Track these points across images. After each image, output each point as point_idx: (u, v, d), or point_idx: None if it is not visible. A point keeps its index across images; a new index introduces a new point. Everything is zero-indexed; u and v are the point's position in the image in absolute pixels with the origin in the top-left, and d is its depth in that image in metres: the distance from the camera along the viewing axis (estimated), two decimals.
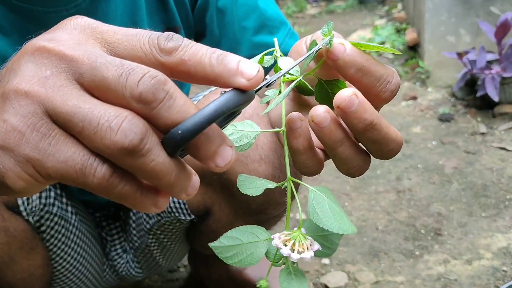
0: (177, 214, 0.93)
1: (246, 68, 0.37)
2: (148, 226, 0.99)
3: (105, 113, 0.33)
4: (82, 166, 0.34)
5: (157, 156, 0.34)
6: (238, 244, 0.48)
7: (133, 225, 1.02)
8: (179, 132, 0.34)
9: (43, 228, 0.86)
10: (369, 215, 1.63)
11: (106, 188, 0.35)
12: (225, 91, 0.37)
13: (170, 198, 0.93)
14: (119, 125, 0.33)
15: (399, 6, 4.00)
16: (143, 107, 0.34)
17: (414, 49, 3.01)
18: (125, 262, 1.07)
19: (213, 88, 0.88)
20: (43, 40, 0.37)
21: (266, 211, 0.90)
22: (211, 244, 0.49)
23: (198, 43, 0.38)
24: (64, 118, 0.34)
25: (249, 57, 0.95)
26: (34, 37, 0.39)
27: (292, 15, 4.69)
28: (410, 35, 3.03)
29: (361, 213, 1.63)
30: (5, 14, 0.74)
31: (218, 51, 0.37)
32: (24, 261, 0.83)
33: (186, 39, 0.38)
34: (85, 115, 0.33)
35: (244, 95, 0.37)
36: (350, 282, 1.34)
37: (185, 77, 0.38)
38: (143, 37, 0.37)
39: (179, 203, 0.92)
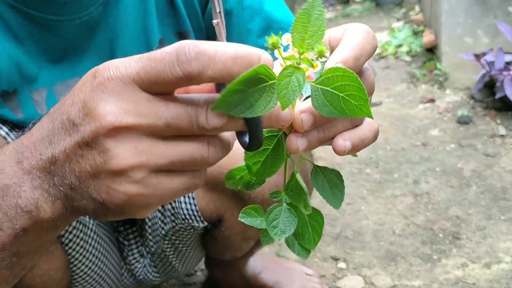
0: (190, 221, 0.94)
1: (266, 62, 0.42)
2: (163, 232, 1.00)
3: (196, 149, 0.44)
4: (186, 186, 0.45)
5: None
6: (241, 93, 0.43)
7: (149, 230, 1.04)
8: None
9: (62, 232, 0.88)
10: (386, 219, 1.62)
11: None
12: None
13: (184, 206, 0.95)
14: (207, 154, 0.44)
15: (417, 8, 3.97)
16: (216, 132, 0.43)
17: (431, 51, 2.99)
18: (143, 266, 1.09)
19: None
20: (108, 118, 0.42)
21: None
22: (212, 108, 0.43)
23: (218, 47, 0.40)
24: (167, 168, 0.43)
25: None
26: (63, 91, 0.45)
27: None
28: (427, 37, 3.01)
29: (378, 217, 1.63)
30: (19, 22, 0.76)
31: (240, 56, 0.41)
32: (43, 265, 0.85)
33: (205, 50, 0.39)
34: (182, 157, 0.43)
35: None
36: (366, 286, 1.34)
37: (216, 82, 0.44)
38: (165, 69, 0.41)
39: (192, 210, 0.94)
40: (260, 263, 1.27)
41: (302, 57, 0.45)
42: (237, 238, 0.98)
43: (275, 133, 0.49)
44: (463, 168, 1.86)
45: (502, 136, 2.07)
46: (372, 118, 0.46)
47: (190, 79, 0.40)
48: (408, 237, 1.52)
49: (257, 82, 0.43)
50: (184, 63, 0.39)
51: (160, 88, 0.42)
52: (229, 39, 0.93)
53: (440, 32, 2.69)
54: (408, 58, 3.10)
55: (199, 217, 0.94)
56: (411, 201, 1.70)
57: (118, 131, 0.41)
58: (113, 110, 0.41)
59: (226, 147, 0.45)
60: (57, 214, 0.47)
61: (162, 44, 0.89)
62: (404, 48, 3.22)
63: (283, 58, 0.46)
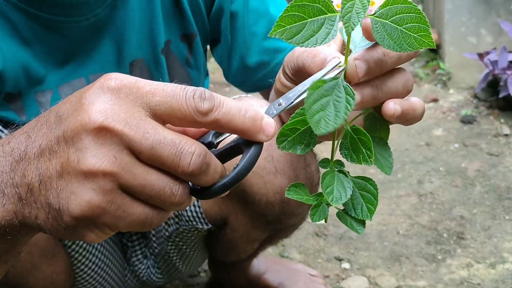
0: (194, 223, 0.94)
1: (267, 126, 0.45)
2: (167, 233, 1.00)
3: (167, 184, 0.43)
4: (145, 220, 0.43)
5: None
6: (302, 23, 0.43)
7: (153, 232, 1.04)
8: (229, 182, 0.45)
9: None
10: (390, 219, 1.61)
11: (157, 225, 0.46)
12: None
13: (188, 208, 0.95)
14: (176, 192, 0.43)
15: (419, 7, 3.96)
16: (191, 178, 0.43)
17: (434, 50, 2.98)
18: (146, 268, 1.09)
19: (236, 96, 0.89)
20: (99, 115, 0.41)
21: (282, 221, 0.91)
22: (271, 34, 0.44)
23: (227, 99, 0.44)
24: (135, 190, 0.42)
25: (259, 62, 0.95)
26: (68, 91, 0.44)
27: None
28: None
29: (382, 217, 1.62)
30: (26, 24, 0.76)
31: (244, 109, 0.44)
32: (46, 268, 0.85)
33: (217, 96, 0.44)
34: (152, 186, 0.42)
35: (261, 145, 0.46)
36: (371, 287, 1.34)
37: (216, 129, 0.45)
38: (181, 99, 0.42)
39: (196, 212, 0.94)
40: (263, 264, 1.26)
41: None
42: (241, 240, 0.98)
43: (334, 80, 0.47)
44: (467, 168, 1.85)
45: (506, 135, 2.06)
46: (435, 47, 0.46)
47: (198, 115, 0.42)
48: (413, 237, 1.51)
49: (317, 12, 0.43)
50: (199, 100, 0.42)
51: (163, 116, 0.42)
52: (234, 42, 0.93)
53: (443, 31, 2.68)
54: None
55: (203, 219, 0.93)
56: (415, 201, 1.69)
57: (103, 132, 0.41)
58: (106, 110, 0.41)
59: (191, 199, 0.46)
60: (6, 219, 0.44)
61: (168, 46, 0.90)
62: None
63: None
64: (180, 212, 0.96)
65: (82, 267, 0.93)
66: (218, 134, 0.48)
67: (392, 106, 0.50)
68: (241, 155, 0.46)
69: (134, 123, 0.41)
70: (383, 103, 0.51)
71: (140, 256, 1.08)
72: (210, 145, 0.47)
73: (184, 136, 0.43)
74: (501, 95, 2.15)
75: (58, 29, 0.78)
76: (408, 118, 0.51)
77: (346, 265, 1.42)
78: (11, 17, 0.75)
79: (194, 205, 0.94)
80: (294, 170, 0.85)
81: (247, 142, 0.46)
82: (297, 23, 0.44)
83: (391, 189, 1.77)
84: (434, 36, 2.96)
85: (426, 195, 1.72)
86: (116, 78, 0.42)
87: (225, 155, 0.47)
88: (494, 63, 2.16)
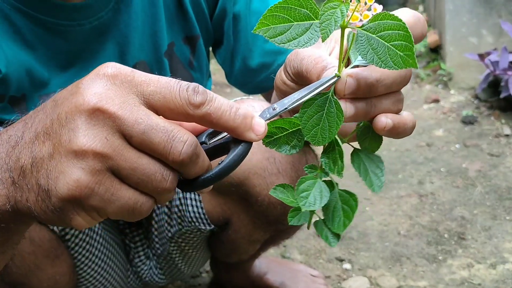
0: (197, 224, 0.95)
1: (257, 125, 0.46)
2: (169, 234, 1.01)
3: (159, 169, 0.43)
4: (134, 206, 0.43)
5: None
6: (287, 25, 0.44)
7: (155, 233, 1.04)
8: (213, 176, 0.46)
9: (67, 237, 0.89)
10: (390, 219, 1.62)
11: (146, 215, 0.45)
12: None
13: (191, 209, 0.95)
14: (167, 178, 0.43)
15: (420, 8, 3.97)
16: (180, 167, 0.44)
17: (435, 51, 2.98)
18: (148, 269, 1.09)
19: (238, 98, 0.90)
20: (94, 98, 0.42)
21: (284, 222, 0.91)
22: (254, 30, 0.46)
23: (219, 97, 0.45)
24: (125, 173, 0.42)
25: (261, 63, 0.96)
26: (67, 83, 0.45)
27: None
28: (431, 37, 3.00)
29: (383, 218, 1.63)
30: (30, 28, 0.76)
31: (235, 107, 0.45)
32: (49, 269, 0.85)
33: (209, 92, 0.44)
34: (143, 170, 0.42)
35: (250, 144, 0.46)
36: (372, 287, 1.34)
37: (206, 124, 0.45)
38: (174, 90, 0.43)
39: (199, 213, 0.94)
40: (265, 264, 1.27)
41: None
42: (244, 241, 0.98)
43: (325, 95, 0.48)
44: (468, 168, 1.86)
45: (507, 136, 2.06)
46: (417, 67, 0.46)
47: (190, 107, 0.43)
48: (413, 238, 1.52)
49: (303, 17, 0.45)
50: (192, 93, 0.43)
51: (156, 105, 0.43)
52: (237, 43, 0.94)
53: (444, 32, 2.69)
54: None
55: (206, 220, 0.94)
56: (416, 202, 1.70)
57: (96, 113, 0.41)
58: (101, 93, 0.42)
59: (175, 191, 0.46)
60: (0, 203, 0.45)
61: (171, 48, 0.90)
62: None
63: None
64: (182, 213, 0.97)
65: (85, 268, 0.93)
66: (212, 136, 0.49)
67: (383, 120, 0.51)
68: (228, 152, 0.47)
69: (127, 108, 0.42)
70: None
71: (142, 257, 1.09)
72: (202, 145, 0.48)
73: (176, 125, 0.43)
74: (502, 96, 2.15)
75: (61, 33, 0.78)
76: (398, 132, 0.52)
77: (347, 265, 1.42)
78: (14, 21, 0.75)
79: (196, 206, 0.95)
80: (296, 171, 0.85)
81: (236, 140, 0.47)
82: (282, 24, 0.45)
83: (392, 189, 1.78)
84: (435, 36, 2.96)
85: (427, 196, 1.72)
86: (113, 66, 0.44)
87: (213, 152, 0.48)
88: (495, 63, 2.17)
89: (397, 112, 0.52)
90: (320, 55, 0.53)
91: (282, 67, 0.63)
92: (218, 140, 0.48)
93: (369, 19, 0.45)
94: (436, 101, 2.49)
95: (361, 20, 0.46)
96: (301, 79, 0.56)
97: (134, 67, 0.86)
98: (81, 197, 0.41)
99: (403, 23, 0.44)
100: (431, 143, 2.09)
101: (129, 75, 0.43)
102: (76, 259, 0.91)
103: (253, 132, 0.46)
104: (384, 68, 0.45)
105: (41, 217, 0.44)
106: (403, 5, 4.46)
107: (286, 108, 0.49)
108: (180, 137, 0.42)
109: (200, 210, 0.94)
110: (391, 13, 0.44)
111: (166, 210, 1.00)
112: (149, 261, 1.09)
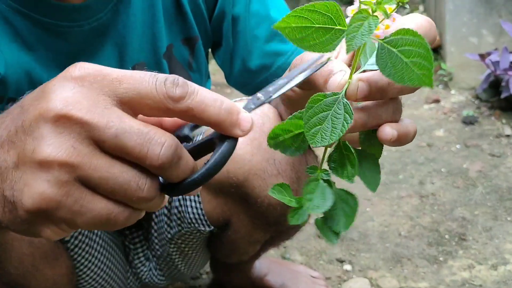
0: (196, 225, 0.95)
1: (243, 121, 0.43)
2: (169, 235, 1.01)
3: (133, 177, 0.40)
4: (108, 217, 0.40)
5: None
6: (308, 27, 0.43)
7: (155, 234, 1.04)
8: (199, 178, 0.42)
9: (67, 239, 0.89)
10: (391, 220, 1.61)
11: (128, 224, 0.42)
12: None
13: (190, 210, 0.95)
14: (143, 187, 0.40)
15: (421, 8, 3.97)
16: (160, 171, 0.40)
17: (436, 51, 2.98)
18: (148, 270, 1.09)
19: (238, 98, 0.89)
20: (59, 103, 0.38)
21: (284, 223, 0.91)
22: (275, 25, 0.44)
23: (201, 88, 0.41)
24: (96, 183, 0.39)
25: (260, 65, 0.96)
26: (32, 88, 0.42)
27: None
28: None
29: (383, 219, 1.62)
30: (29, 29, 0.76)
31: (219, 100, 0.41)
32: (48, 271, 0.85)
33: (191, 84, 0.41)
34: (115, 179, 0.39)
35: (236, 141, 0.43)
36: None
37: (188, 119, 0.42)
38: (150, 84, 0.40)
39: (198, 214, 0.94)
40: (265, 265, 1.27)
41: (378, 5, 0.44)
42: (244, 242, 0.98)
43: (335, 96, 0.47)
44: (468, 169, 1.85)
45: (507, 136, 2.06)
46: (433, 88, 0.46)
47: (169, 101, 0.40)
48: (414, 239, 1.51)
49: (327, 21, 0.44)
50: (171, 86, 0.40)
51: (131, 103, 0.40)
52: (236, 45, 0.93)
53: (444, 32, 2.68)
54: None
55: (206, 221, 0.94)
56: (417, 202, 1.69)
57: (62, 120, 0.38)
58: (67, 98, 0.38)
59: (163, 197, 0.43)
60: None
61: (170, 50, 0.90)
62: None
63: (361, 2, 0.45)
64: (182, 214, 0.97)
65: (85, 269, 0.93)
66: (195, 127, 0.46)
67: (389, 131, 0.50)
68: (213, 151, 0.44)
69: (97, 111, 0.38)
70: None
71: (142, 258, 1.09)
72: (186, 139, 0.45)
73: (153, 127, 0.40)
74: (502, 96, 2.15)
75: (60, 34, 0.78)
76: (401, 141, 0.51)
77: (347, 266, 1.42)
78: (13, 22, 0.75)
79: (196, 208, 0.94)
80: (296, 172, 0.85)
81: (221, 137, 0.43)
82: (304, 25, 0.44)
83: (393, 190, 1.77)
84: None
85: (428, 196, 1.72)
86: (81, 67, 0.41)
87: (197, 151, 0.45)
88: (496, 63, 2.16)
89: (398, 119, 0.52)
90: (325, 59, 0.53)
91: (288, 70, 0.62)
92: (202, 137, 0.45)
93: (392, 33, 0.44)
94: (437, 101, 2.48)
95: (382, 30, 0.45)
96: (307, 84, 0.56)
97: (133, 68, 0.87)
98: (47, 209, 0.39)
99: (425, 42, 0.43)
100: (431, 144, 2.08)
101: (98, 74, 0.40)
102: (75, 260, 0.91)
103: (239, 128, 0.43)
104: (399, 83, 0.44)
105: (11, 228, 0.42)
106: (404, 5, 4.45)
107: (271, 97, 0.47)
108: (157, 139, 0.39)
109: (199, 211, 0.94)
110: (412, 29, 0.43)
111: (165, 211, 1.00)
112: (149, 262, 1.09)
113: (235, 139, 0.43)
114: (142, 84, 0.40)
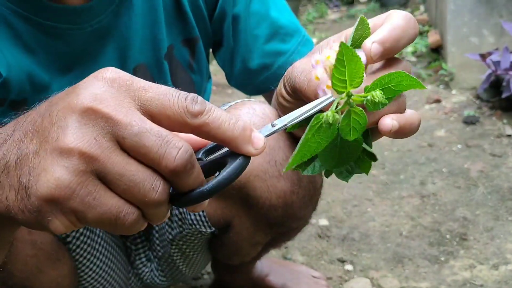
0: (198, 226, 0.95)
1: (256, 139, 0.45)
2: (170, 236, 1.01)
3: (148, 177, 0.41)
4: (117, 215, 0.41)
5: None
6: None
7: (156, 235, 1.04)
8: (207, 189, 0.43)
9: (69, 239, 0.89)
10: (392, 220, 1.61)
11: (133, 230, 0.43)
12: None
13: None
14: (157, 188, 0.41)
15: (422, 8, 3.96)
16: (173, 175, 0.41)
17: (437, 51, 2.98)
18: (150, 271, 1.09)
19: (239, 100, 0.90)
20: (89, 98, 0.41)
21: (285, 224, 0.91)
22: (292, 168, 0.49)
23: (218, 108, 0.43)
24: (111, 178, 0.40)
25: (261, 65, 0.96)
26: (68, 84, 0.44)
27: (313, 20, 4.69)
28: (432, 37, 3.00)
29: (385, 219, 1.62)
30: (30, 32, 0.76)
31: (234, 118, 0.44)
32: (51, 272, 0.85)
33: (208, 103, 0.44)
34: (131, 176, 0.40)
35: (248, 159, 0.45)
36: None
37: (203, 135, 0.44)
38: (173, 98, 0.42)
39: (199, 216, 0.94)
40: (267, 266, 1.27)
41: (351, 97, 0.47)
42: (245, 243, 0.98)
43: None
44: (470, 169, 1.86)
45: (508, 136, 2.06)
46: (425, 88, 0.49)
47: (188, 115, 0.42)
48: (415, 239, 1.51)
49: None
50: (191, 102, 0.42)
51: (153, 112, 0.42)
52: (236, 45, 0.94)
53: (445, 32, 2.68)
54: (413, 59, 3.09)
55: (207, 222, 0.94)
56: (418, 203, 1.69)
57: (88, 112, 0.40)
58: (96, 94, 0.41)
59: (168, 207, 0.44)
60: None
61: (171, 51, 0.90)
62: (410, 49, 3.22)
63: (334, 111, 0.48)
64: (183, 215, 0.97)
65: (87, 270, 0.93)
66: (208, 153, 0.48)
67: (389, 122, 0.50)
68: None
69: (122, 110, 0.40)
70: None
71: (144, 259, 1.09)
72: (198, 161, 0.46)
73: (171, 132, 0.42)
74: (503, 96, 2.15)
75: (61, 36, 0.78)
76: (405, 133, 0.51)
77: (349, 266, 1.42)
78: (15, 25, 0.75)
79: None
80: (297, 174, 0.85)
81: (233, 154, 0.45)
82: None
83: (394, 190, 1.78)
84: (436, 36, 2.96)
85: (429, 196, 1.72)
86: (113, 70, 0.43)
87: (208, 168, 0.46)
88: (497, 63, 2.16)
89: (400, 111, 0.52)
90: (311, 73, 0.53)
91: (281, 81, 0.63)
92: (215, 156, 0.47)
93: (366, 88, 0.48)
94: (438, 101, 2.49)
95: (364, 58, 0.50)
96: (298, 96, 0.56)
97: (134, 70, 0.87)
98: (60, 197, 0.39)
99: (401, 73, 0.48)
100: (432, 144, 2.08)
101: (128, 79, 0.42)
102: (77, 261, 0.92)
103: (252, 146, 0.44)
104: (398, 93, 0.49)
105: (19, 217, 0.42)
106: (404, 5, 4.45)
107: (285, 125, 0.49)
108: (175, 143, 0.41)
109: (201, 212, 0.94)
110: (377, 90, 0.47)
111: None
112: (150, 263, 1.09)
113: (247, 158, 0.45)
114: (166, 96, 0.42)
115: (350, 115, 0.48)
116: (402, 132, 0.51)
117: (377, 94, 0.46)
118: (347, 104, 0.47)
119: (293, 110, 0.51)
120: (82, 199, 0.40)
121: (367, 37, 0.52)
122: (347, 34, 0.59)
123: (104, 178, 0.40)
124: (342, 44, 0.44)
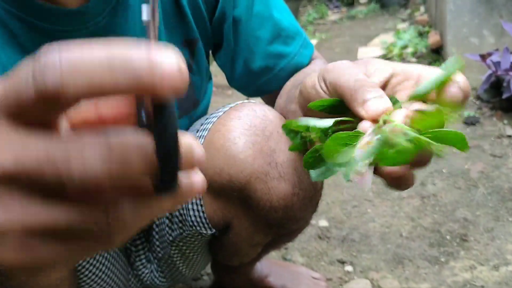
0: (198, 228, 0.95)
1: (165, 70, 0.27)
2: (170, 238, 1.01)
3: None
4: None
5: None
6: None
7: (156, 236, 1.04)
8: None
9: None
10: (392, 221, 1.61)
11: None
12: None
13: (192, 213, 0.95)
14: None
15: (422, 9, 3.96)
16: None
17: (437, 52, 2.98)
18: (150, 272, 1.09)
19: (240, 101, 0.89)
20: None
21: (286, 226, 0.91)
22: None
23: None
24: (40, 232, 0.28)
25: (263, 66, 0.96)
26: None
27: (313, 21, 4.69)
28: (433, 38, 3.00)
29: (385, 220, 1.62)
30: (27, 34, 0.76)
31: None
32: (51, 274, 0.85)
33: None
34: (55, 223, 0.28)
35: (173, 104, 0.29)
36: None
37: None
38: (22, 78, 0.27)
39: (200, 217, 0.94)
40: (266, 267, 1.27)
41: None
42: (245, 244, 0.98)
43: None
44: (470, 169, 1.85)
45: (509, 136, 2.05)
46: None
47: (48, 100, 0.25)
48: (415, 240, 1.51)
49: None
50: (37, 75, 0.25)
51: (14, 110, 0.27)
52: (237, 46, 0.93)
53: (445, 32, 2.68)
54: (413, 59, 3.09)
55: (207, 224, 0.94)
56: (418, 203, 1.69)
57: None
58: None
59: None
60: None
61: None
62: (410, 49, 3.22)
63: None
64: (183, 217, 0.97)
65: (86, 272, 0.93)
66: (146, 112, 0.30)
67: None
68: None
69: (17, 148, 0.26)
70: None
71: (143, 260, 1.09)
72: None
73: (68, 139, 0.26)
74: (504, 96, 2.15)
75: (58, 38, 0.77)
76: (401, 185, 0.55)
77: (349, 268, 1.42)
78: (10, 26, 0.74)
79: (198, 211, 0.94)
80: (298, 176, 0.85)
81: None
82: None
83: (394, 191, 1.77)
84: (436, 37, 2.96)
85: (429, 197, 1.72)
86: None
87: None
88: (497, 64, 2.16)
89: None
90: (360, 83, 0.53)
91: (317, 79, 0.60)
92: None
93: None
94: None
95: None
96: (339, 96, 0.56)
97: None
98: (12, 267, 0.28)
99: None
100: None
101: None
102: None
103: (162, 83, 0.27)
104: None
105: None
106: (405, 6, 4.46)
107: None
108: (77, 149, 0.26)
109: (201, 214, 0.94)
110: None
111: (167, 214, 1.00)
112: (150, 264, 1.09)
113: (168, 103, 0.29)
114: (16, 83, 0.28)
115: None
116: (399, 184, 0.54)
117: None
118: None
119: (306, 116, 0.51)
120: (28, 262, 0.28)
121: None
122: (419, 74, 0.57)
123: (36, 235, 0.28)
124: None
